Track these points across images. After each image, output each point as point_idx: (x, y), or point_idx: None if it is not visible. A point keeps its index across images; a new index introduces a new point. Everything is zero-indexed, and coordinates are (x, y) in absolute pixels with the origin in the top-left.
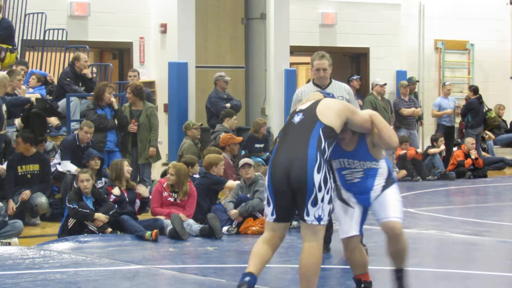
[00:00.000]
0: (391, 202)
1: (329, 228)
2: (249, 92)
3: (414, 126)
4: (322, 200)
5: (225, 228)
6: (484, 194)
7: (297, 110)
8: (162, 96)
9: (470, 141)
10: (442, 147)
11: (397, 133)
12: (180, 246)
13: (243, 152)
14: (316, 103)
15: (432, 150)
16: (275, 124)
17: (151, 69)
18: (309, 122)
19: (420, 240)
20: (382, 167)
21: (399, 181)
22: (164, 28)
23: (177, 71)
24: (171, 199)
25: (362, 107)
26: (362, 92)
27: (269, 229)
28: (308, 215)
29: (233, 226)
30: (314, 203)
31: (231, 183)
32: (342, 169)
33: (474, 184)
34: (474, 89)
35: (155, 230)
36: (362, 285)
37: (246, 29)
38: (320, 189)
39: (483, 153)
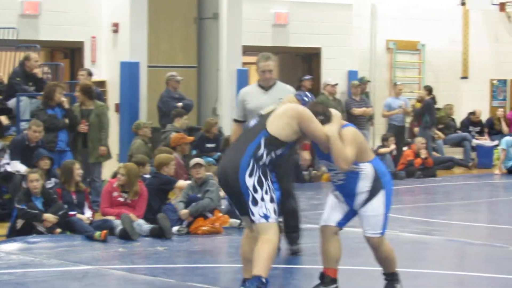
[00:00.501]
0: (370, 218)
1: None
2: (201, 91)
3: (365, 126)
4: (263, 199)
5: (175, 228)
6: (433, 194)
7: (260, 113)
8: (113, 96)
9: (420, 140)
10: (392, 146)
11: None
12: (130, 246)
13: (194, 152)
14: (277, 110)
15: (382, 150)
16: (227, 124)
17: (102, 68)
18: (258, 128)
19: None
20: (365, 169)
21: None
22: (116, 28)
23: (129, 71)
24: (121, 199)
25: None
26: (313, 92)
27: (245, 225)
28: (253, 215)
29: (183, 226)
30: (255, 203)
31: (181, 183)
32: (328, 170)
33: (423, 183)
34: (429, 89)
35: (104, 231)
36: (325, 280)
37: (199, 29)
38: (255, 191)
39: (433, 153)
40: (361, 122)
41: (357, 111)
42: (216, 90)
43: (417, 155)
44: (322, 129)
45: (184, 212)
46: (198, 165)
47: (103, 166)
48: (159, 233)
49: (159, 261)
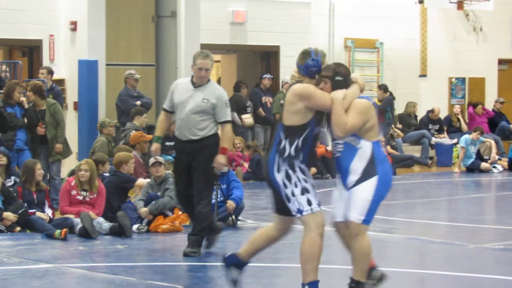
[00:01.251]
0: (357, 201)
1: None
2: (160, 90)
3: (324, 124)
4: (293, 194)
5: (135, 226)
6: (393, 192)
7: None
8: (72, 94)
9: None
10: None
11: None
12: (90, 244)
13: None
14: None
15: None
16: None
17: (61, 66)
18: (277, 124)
19: (330, 237)
20: (363, 147)
21: None
22: (74, 26)
23: (87, 69)
24: (80, 197)
25: (269, 105)
26: (272, 90)
27: (273, 219)
28: (291, 211)
29: (143, 224)
30: (288, 200)
31: (141, 181)
32: (332, 139)
33: None
34: (384, 88)
35: (64, 229)
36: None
37: (157, 27)
38: (285, 186)
39: (392, 151)
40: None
41: None
42: None
43: None
44: (326, 97)
45: (144, 210)
46: (157, 163)
47: (62, 164)
48: (119, 232)
49: (119, 259)
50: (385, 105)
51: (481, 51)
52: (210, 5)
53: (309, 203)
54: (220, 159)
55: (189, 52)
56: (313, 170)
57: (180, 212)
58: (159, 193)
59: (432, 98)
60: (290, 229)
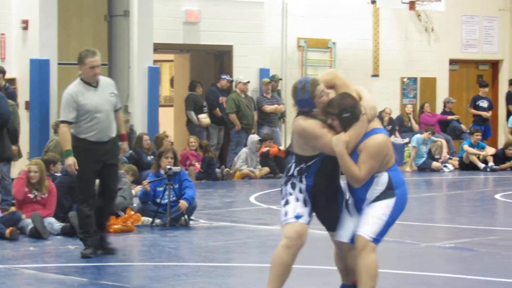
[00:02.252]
0: (370, 217)
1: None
2: None
3: (276, 124)
4: (281, 208)
5: None
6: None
7: None
8: (23, 93)
9: None
10: None
11: (260, 130)
12: (41, 245)
13: None
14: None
15: None
16: (138, 121)
17: (12, 66)
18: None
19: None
20: (380, 177)
21: (262, 178)
22: (25, 25)
23: (39, 68)
24: (31, 196)
25: (225, 105)
26: (226, 89)
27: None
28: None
29: None
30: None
31: None
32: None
33: None
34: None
35: (10, 228)
36: None
37: (109, 26)
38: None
39: None
40: (273, 119)
41: (268, 108)
42: (127, 87)
43: None
44: (329, 143)
45: None
46: None
47: (13, 164)
48: (70, 232)
49: (70, 259)
50: None
51: (432, 51)
52: (163, 4)
53: (286, 214)
54: (126, 146)
55: (142, 52)
56: (266, 169)
57: (132, 212)
58: None
59: (384, 98)
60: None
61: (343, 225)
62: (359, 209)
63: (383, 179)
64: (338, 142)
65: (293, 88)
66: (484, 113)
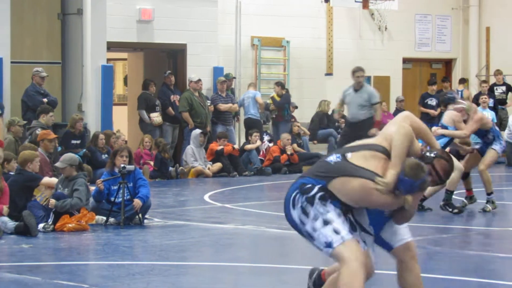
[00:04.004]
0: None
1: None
2: (66, 88)
3: (230, 122)
4: (315, 230)
5: (41, 225)
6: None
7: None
8: None
9: (285, 136)
10: (258, 142)
11: (214, 129)
12: None
13: (59, 149)
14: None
15: (248, 146)
16: (92, 120)
17: None
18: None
19: (236, 235)
20: None
21: (216, 177)
22: None
23: None
24: None
25: (177, 103)
26: (179, 88)
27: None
28: (320, 249)
29: (49, 223)
30: (311, 237)
31: (47, 180)
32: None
33: (289, 179)
34: (282, 85)
35: None
36: None
37: (63, 25)
38: (303, 223)
39: (298, 149)
40: (227, 118)
41: (223, 107)
42: (81, 86)
43: (282, 151)
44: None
45: (52, 201)
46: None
47: None
48: (24, 231)
49: (24, 258)
50: (284, 102)
51: (386, 50)
52: (117, 2)
53: (337, 231)
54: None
55: (95, 50)
56: (218, 164)
57: (86, 211)
58: (66, 190)
59: (338, 97)
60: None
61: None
62: (378, 221)
63: None
64: (416, 203)
65: (417, 171)
66: (431, 111)
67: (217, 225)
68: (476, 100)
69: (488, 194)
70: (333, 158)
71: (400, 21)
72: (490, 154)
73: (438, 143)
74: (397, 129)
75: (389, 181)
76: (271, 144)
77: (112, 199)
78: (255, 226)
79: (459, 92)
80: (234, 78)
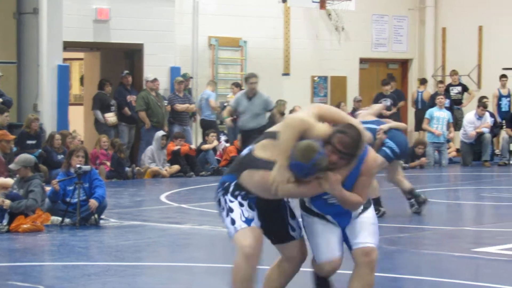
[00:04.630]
0: (369, 225)
1: None
2: (21, 87)
3: (187, 122)
4: (223, 221)
5: None
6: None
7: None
8: None
9: None
10: (215, 142)
11: (171, 129)
12: None
13: (15, 149)
14: None
15: (205, 146)
16: (48, 119)
17: None
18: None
19: (193, 235)
20: None
21: (172, 177)
22: None
23: None
24: None
25: (134, 103)
26: (136, 87)
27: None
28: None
29: (4, 224)
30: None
31: (1, 180)
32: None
33: None
34: (238, 85)
35: None
36: None
37: (19, 24)
38: (220, 213)
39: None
40: (184, 118)
41: (180, 107)
42: (37, 86)
43: (239, 151)
44: (316, 189)
45: (7, 202)
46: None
47: None
48: None
49: None
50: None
51: (343, 50)
52: (73, 2)
53: (233, 222)
54: None
55: (51, 50)
56: (176, 167)
57: (41, 212)
58: (21, 190)
59: (295, 97)
60: (301, 254)
61: (327, 241)
62: (343, 221)
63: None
64: (335, 185)
65: (306, 152)
66: (384, 111)
67: (173, 225)
68: (432, 100)
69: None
70: (245, 151)
71: (357, 21)
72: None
73: (352, 121)
74: (283, 121)
75: (273, 174)
76: (227, 144)
77: (68, 199)
78: (212, 226)
79: (419, 93)
80: (191, 78)
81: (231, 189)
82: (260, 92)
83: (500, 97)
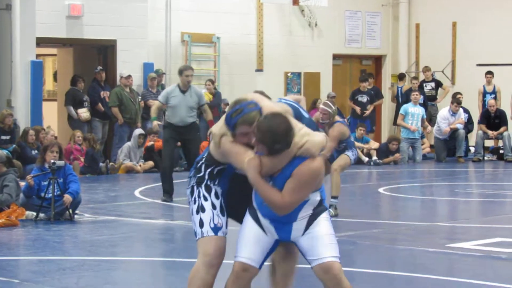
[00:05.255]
0: (324, 237)
1: None
2: None
3: (161, 118)
4: (192, 213)
5: None
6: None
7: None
8: None
9: None
10: None
11: (144, 125)
12: None
13: None
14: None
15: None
16: (22, 115)
17: None
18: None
19: (167, 230)
20: (312, 198)
21: (146, 172)
22: None
23: None
24: None
25: (107, 99)
26: (109, 84)
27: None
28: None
29: None
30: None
31: None
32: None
33: None
34: (212, 81)
35: None
36: None
37: None
38: (189, 202)
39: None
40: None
41: (153, 103)
42: (10, 81)
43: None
44: (241, 163)
45: None
46: None
47: None
48: None
49: None
50: (217, 102)
51: (316, 46)
52: None
53: (201, 225)
54: None
55: (24, 45)
56: (150, 163)
57: (16, 207)
58: None
59: (269, 93)
60: (290, 250)
61: (254, 245)
62: (283, 231)
63: (315, 200)
64: (249, 167)
65: (233, 104)
66: (357, 108)
67: (147, 221)
68: (407, 96)
69: (333, 197)
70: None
71: (330, 17)
72: (344, 158)
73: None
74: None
75: (213, 128)
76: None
77: (42, 194)
78: (186, 221)
79: (399, 88)
80: (164, 74)
81: (205, 174)
82: (193, 86)
83: (484, 93)
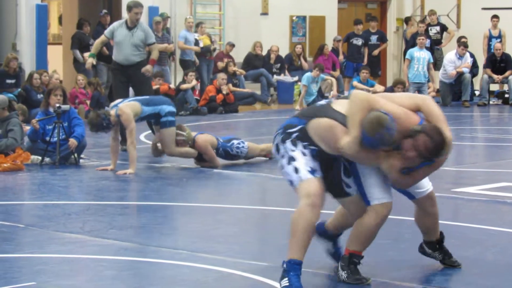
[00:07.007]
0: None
1: None
2: (0, 27)
3: (166, 62)
4: (282, 167)
5: None
6: (234, 129)
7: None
8: None
9: (221, 76)
10: (194, 82)
11: None
12: None
13: None
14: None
15: (184, 86)
16: (27, 59)
17: None
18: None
19: (172, 175)
20: None
21: None
22: None
23: None
24: None
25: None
26: None
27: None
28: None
29: None
30: (282, 173)
31: None
32: None
33: (225, 119)
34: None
35: None
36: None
37: None
38: (277, 161)
39: (234, 88)
40: (162, 58)
41: (158, 47)
42: (15, 25)
43: (218, 91)
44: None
45: None
46: None
47: None
48: None
49: None
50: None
51: None
52: None
53: (297, 170)
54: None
55: None
56: None
57: (22, 151)
58: (0, 131)
59: (274, 37)
60: (359, 210)
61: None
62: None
63: None
64: (392, 171)
65: (373, 125)
66: (340, 58)
67: (152, 165)
68: (413, 40)
69: None
70: (322, 102)
71: None
72: None
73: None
74: (351, 96)
75: (346, 140)
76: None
77: (47, 138)
78: (192, 165)
79: (404, 32)
80: (169, 17)
81: (292, 137)
82: (142, 23)
83: (490, 37)
